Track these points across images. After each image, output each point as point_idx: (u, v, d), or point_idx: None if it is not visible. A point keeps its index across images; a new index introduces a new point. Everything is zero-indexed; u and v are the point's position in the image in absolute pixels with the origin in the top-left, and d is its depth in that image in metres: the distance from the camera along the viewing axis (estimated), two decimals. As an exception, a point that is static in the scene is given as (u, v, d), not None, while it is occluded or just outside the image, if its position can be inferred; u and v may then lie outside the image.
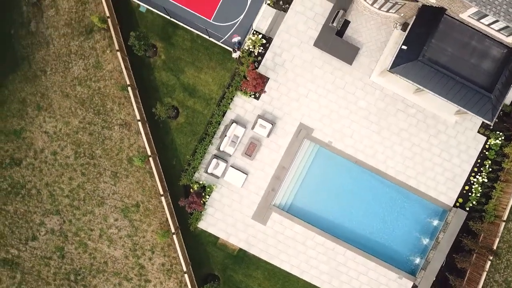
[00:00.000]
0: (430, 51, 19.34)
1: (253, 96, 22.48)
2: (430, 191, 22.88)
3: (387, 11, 21.48)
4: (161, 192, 21.57)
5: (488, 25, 18.58)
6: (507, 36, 18.64)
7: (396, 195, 23.01)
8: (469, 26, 19.27)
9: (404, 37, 19.75)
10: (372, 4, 21.43)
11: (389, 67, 19.74)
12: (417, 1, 19.42)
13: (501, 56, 19.37)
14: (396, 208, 23.07)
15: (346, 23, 22.55)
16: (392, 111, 22.79)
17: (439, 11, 19.18)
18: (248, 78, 21.44)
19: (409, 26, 19.85)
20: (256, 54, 22.44)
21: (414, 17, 19.79)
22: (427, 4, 19.37)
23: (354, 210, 23.04)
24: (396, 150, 22.84)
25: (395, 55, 19.66)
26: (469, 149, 22.86)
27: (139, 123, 21.49)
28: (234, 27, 22.71)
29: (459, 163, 22.90)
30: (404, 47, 19.58)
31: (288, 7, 22.57)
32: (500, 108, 19.73)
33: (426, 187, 22.88)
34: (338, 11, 21.58)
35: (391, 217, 23.05)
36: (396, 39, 22.51)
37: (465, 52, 19.49)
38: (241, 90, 22.05)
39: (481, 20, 18.51)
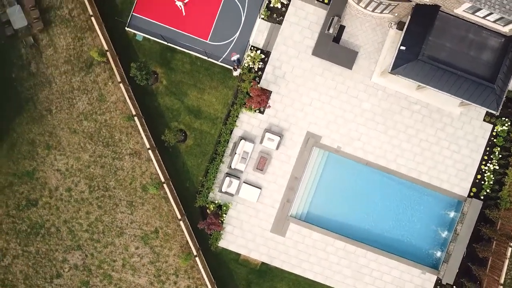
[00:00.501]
0: (429, 49, 19.50)
1: (258, 111, 22.67)
2: (443, 184, 23.06)
3: (381, 12, 21.63)
4: (179, 217, 21.78)
5: (484, 17, 18.72)
6: (503, 26, 18.80)
7: (410, 192, 23.19)
8: (465, 20, 19.43)
9: (402, 38, 19.90)
10: (365, 7, 21.58)
11: (390, 69, 19.90)
12: (411, 1, 19.58)
13: (499, 45, 19.52)
14: (411, 205, 23.25)
15: (342, 28, 22.70)
16: (396, 110, 22.95)
17: (434, 9, 19.33)
18: (251, 95, 21.64)
19: (405, 27, 20.00)
20: (256, 69, 22.62)
21: (409, 17, 19.95)
22: (421, 3, 19.53)
23: (370, 211, 23.22)
24: (405, 147, 23.01)
25: (394, 57, 19.82)
26: (477, 138, 23.01)
27: (149, 151, 21.70)
28: (231, 45, 22.89)
29: (468, 153, 23.06)
30: (402, 47, 19.75)
31: (282, 19, 22.72)
32: (504, 96, 19.88)
33: (439, 181, 23.05)
34: (333, 18, 21.73)
35: (407, 214, 23.25)
36: (392, 38, 22.67)
37: (464, 45, 19.65)
38: (246, 107, 22.24)
39: (476, 14, 18.67)
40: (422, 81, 19.75)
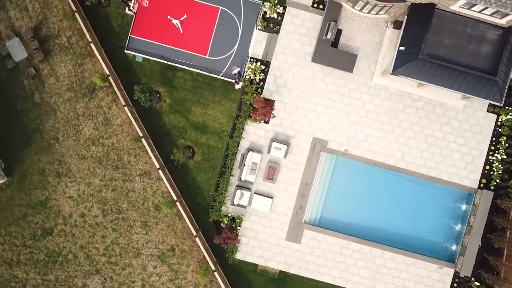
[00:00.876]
0: (428, 47, 19.61)
1: (263, 121, 22.80)
2: (452, 177, 23.18)
3: (377, 13, 21.75)
4: (194, 233, 21.93)
5: (480, 11, 18.85)
6: (500, 18, 18.91)
7: (421, 188, 23.33)
8: (461, 15, 19.54)
9: (400, 38, 20.03)
10: (361, 10, 21.69)
11: (391, 71, 20.02)
12: (406, 1, 19.69)
13: (497, 37, 19.63)
14: (423, 201, 23.39)
15: (339, 32, 22.81)
16: (400, 108, 23.07)
17: (430, 7, 19.43)
18: (256, 107, 21.78)
19: (403, 27, 20.13)
20: (257, 80, 22.75)
21: (406, 16, 20.08)
22: (417, 2, 19.64)
23: (383, 211, 23.36)
24: (412, 144, 23.13)
25: (394, 58, 19.94)
26: (483, 130, 23.13)
27: (159, 171, 21.85)
28: (231, 58, 23.02)
29: (475, 145, 23.17)
30: (402, 48, 19.87)
31: (279, 28, 22.85)
32: (507, 87, 19.98)
33: (448, 175, 23.18)
34: (329, 23, 21.84)
35: (420, 210, 23.38)
36: (390, 37, 22.77)
37: (462, 40, 19.77)
38: (251, 119, 22.36)
39: (472, 9, 18.78)
40: (424, 80, 19.86)
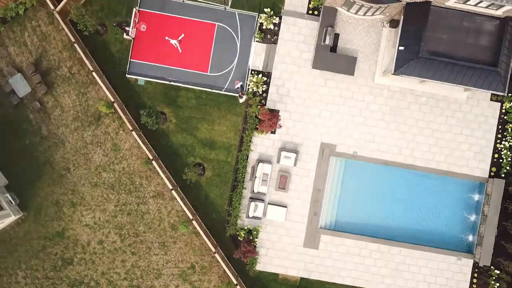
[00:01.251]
0: (427, 44, 19.76)
1: (270, 132, 22.95)
2: (462, 169, 23.33)
3: (372, 14, 21.89)
4: (213, 249, 22.08)
5: (475, 5, 18.99)
6: (496, 10, 19.04)
7: (432, 183, 23.48)
8: (457, 10, 19.67)
9: (399, 38, 20.18)
10: (356, 13, 21.83)
11: (393, 71, 20.17)
12: (401, 1, 19.82)
13: (495, 28, 19.77)
14: (435, 195, 23.54)
15: (336, 36, 22.93)
16: (404, 105, 23.20)
17: (425, 4, 19.58)
18: (261, 119, 21.94)
19: (400, 27, 20.29)
20: (260, 92, 22.90)
21: (402, 16, 20.22)
22: (412, 1, 19.77)
23: (396, 209, 23.53)
24: (419, 140, 23.26)
25: (395, 58, 20.10)
26: (488, 119, 23.27)
27: (173, 191, 22.02)
28: (232, 72, 23.17)
29: (482, 134, 23.32)
30: (401, 48, 20.02)
31: (277, 38, 23.00)
32: (509, 76, 20.12)
33: (458, 167, 23.32)
34: (327, 29, 21.97)
35: (433, 204, 23.53)
36: (387, 37, 22.89)
37: (461, 35, 19.91)
38: (258, 131, 22.51)
39: (468, 3, 18.92)
40: (426, 77, 20.02)
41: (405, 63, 19.84)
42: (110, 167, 23.14)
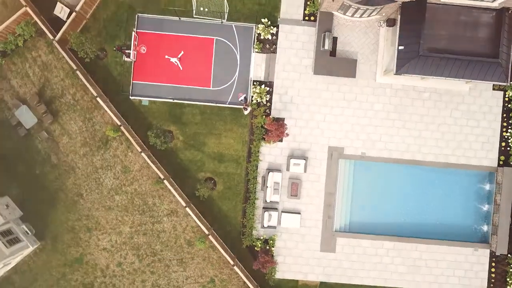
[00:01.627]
0: (427, 41, 19.84)
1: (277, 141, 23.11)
2: (471, 160, 23.44)
3: (369, 16, 22.00)
4: (231, 262, 22.22)
5: (471, -2, 19.13)
6: (492, 1, 19.13)
7: (442, 177, 23.60)
8: (454, 5, 19.77)
9: (398, 37, 20.29)
10: (352, 15, 21.94)
11: (395, 71, 20.29)
12: (396, 1, 19.91)
13: (492, 20, 19.86)
14: (447, 189, 23.67)
15: (334, 40, 23.02)
16: (408, 102, 23.32)
17: (421, 2, 19.65)
18: (268, 128, 22.07)
19: (398, 27, 20.38)
20: (264, 102, 23.03)
21: (399, 16, 20.32)
22: (407, 0, 19.86)
23: (409, 205, 23.66)
24: (425, 136, 23.37)
25: (395, 58, 20.22)
26: (492, 108, 23.38)
27: (186, 208, 22.17)
28: (234, 85, 23.30)
29: (487, 124, 23.42)
30: (401, 47, 20.13)
31: (276, 47, 23.13)
32: (510, 66, 20.23)
33: (466, 158, 23.43)
34: (324, 33, 22.09)
35: (446, 198, 23.64)
36: (384, 36, 22.98)
37: (459, 29, 20.02)
38: (266, 141, 22.64)
39: (463, -3, 19.07)
40: (428, 74, 20.13)
41: (406, 62, 19.94)
42: (122, 189, 23.30)
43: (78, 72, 21.87)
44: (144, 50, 22.48)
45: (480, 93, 23.31)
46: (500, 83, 20.30)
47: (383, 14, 21.98)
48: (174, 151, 23.46)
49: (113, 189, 23.27)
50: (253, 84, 23.14)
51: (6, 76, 22.95)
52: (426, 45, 19.78)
